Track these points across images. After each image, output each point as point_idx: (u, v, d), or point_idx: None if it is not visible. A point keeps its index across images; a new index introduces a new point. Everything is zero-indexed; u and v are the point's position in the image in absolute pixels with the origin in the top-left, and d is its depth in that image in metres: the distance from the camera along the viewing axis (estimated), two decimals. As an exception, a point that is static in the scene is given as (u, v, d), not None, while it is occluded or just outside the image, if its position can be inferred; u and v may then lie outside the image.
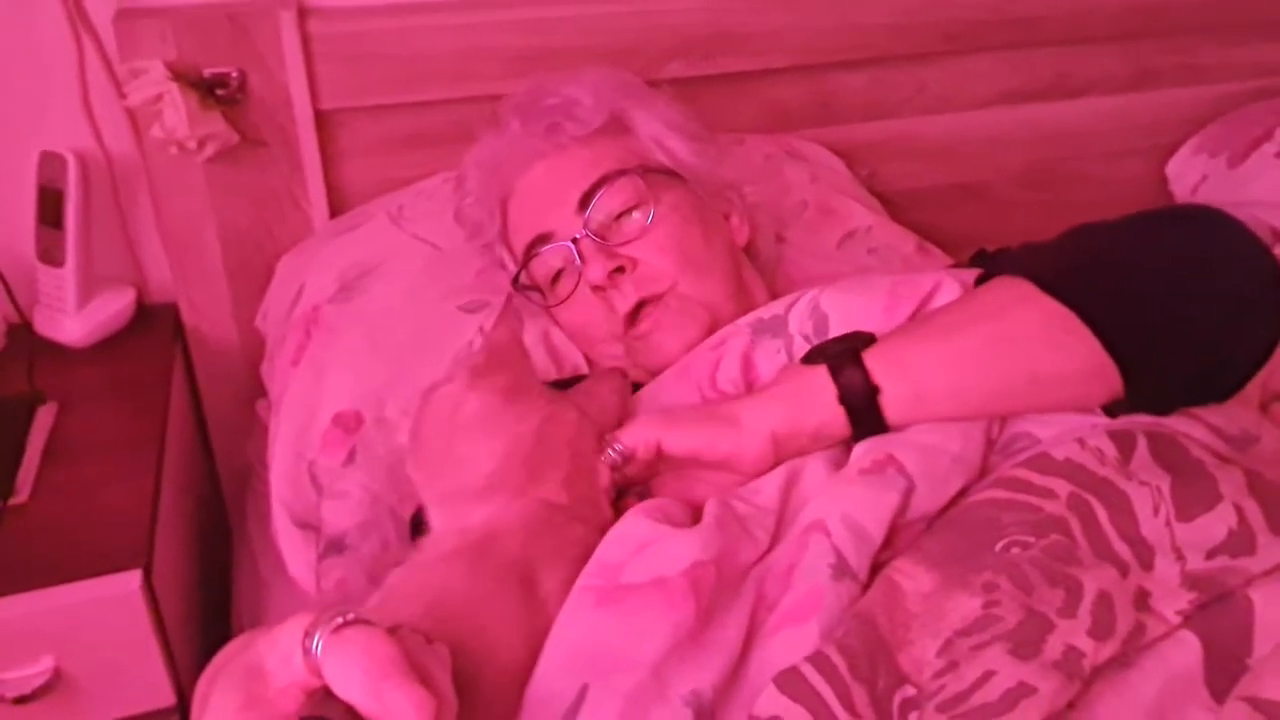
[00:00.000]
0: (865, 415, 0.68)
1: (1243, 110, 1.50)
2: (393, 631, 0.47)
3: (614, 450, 0.68)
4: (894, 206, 1.33)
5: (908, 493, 0.63)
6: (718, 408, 0.71)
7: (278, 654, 0.46)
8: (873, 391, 0.68)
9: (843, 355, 0.69)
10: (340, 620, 0.46)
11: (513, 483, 0.63)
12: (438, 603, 0.56)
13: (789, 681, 0.53)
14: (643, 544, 0.60)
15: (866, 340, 0.71)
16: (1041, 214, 1.28)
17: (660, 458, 0.69)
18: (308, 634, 0.45)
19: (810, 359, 0.72)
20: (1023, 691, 0.50)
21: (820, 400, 0.68)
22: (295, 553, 0.85)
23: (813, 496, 0.64)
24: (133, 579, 0.82)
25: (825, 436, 0.69)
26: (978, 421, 0.69)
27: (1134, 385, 0.67)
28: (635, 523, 0.62)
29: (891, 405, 0.68)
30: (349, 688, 0.45)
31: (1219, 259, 0.70)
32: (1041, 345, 0.68)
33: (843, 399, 0.68)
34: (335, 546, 0.84)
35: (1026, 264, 0.72)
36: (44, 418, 0.99)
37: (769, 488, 0.66)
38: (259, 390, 1.14)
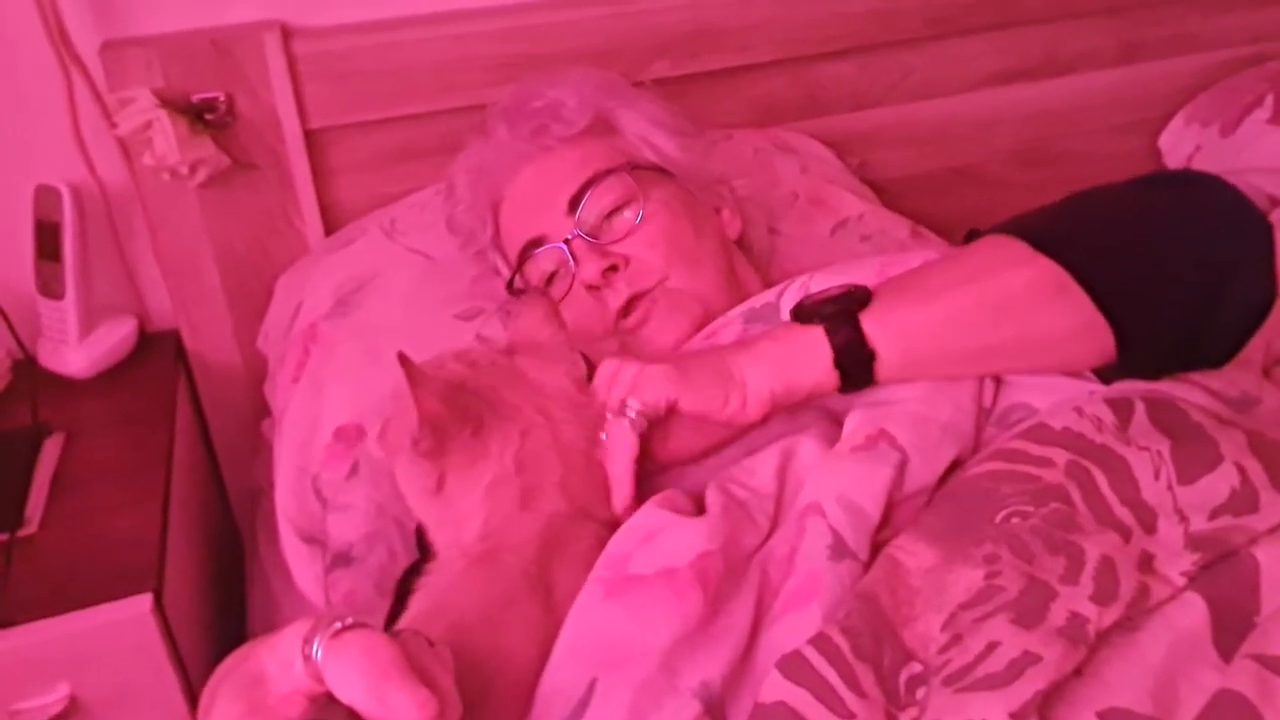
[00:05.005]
0: (858, 377, 0.68)
1: (1232, 78, 1.50)
2: (394, 635, 0.47)
3: (635, 414, 0.66)
4: (887, 194, 1.33)
5: (901, 466, 0.62)
6: (725, 363, 0.69)
7: (278, 661, 0.46)
8: (869, 356, 0.67)
9: (838, 317, 0.68)
10: (339, 625, 0.46)
11: (503, 517, 0.63)
12: (456, 624, 0.56)
13: (792, 666, 0.52)
14: (650, 533, 0.60)
15: (859, 297, 0.70)
16: (1036, 194, 1.26)
17: (669, 413, 0.67)
18: (307, 640, 0.45)
19: (803, 315, 0.71)
20: (1028, 660, 0.49)
21: (816, 363, 0.68)
22: (302, 567, 0.85)
23: (808, 477, 0.64)
24: (143, 602, 0.83)
25: (816, 396, 0.69)
26: (967, 388, 0.69)
27: (1125, 346, 0.67)
28: (642, 511, 0.62)
29: (885, 367, 0.68)
30: (350, 690, 0.45)
31: (1212, 221, 0.70)
32: (1034, 305, 0.67)
33: (838, 362, 0.68)
34: (342, 559, 0.84)
35: (1020, 225, 0.71)
36: (51, 449, 1.00)
37: (764, 470, 0.66)
38: (263, 411, 1.14)
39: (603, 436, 0.66)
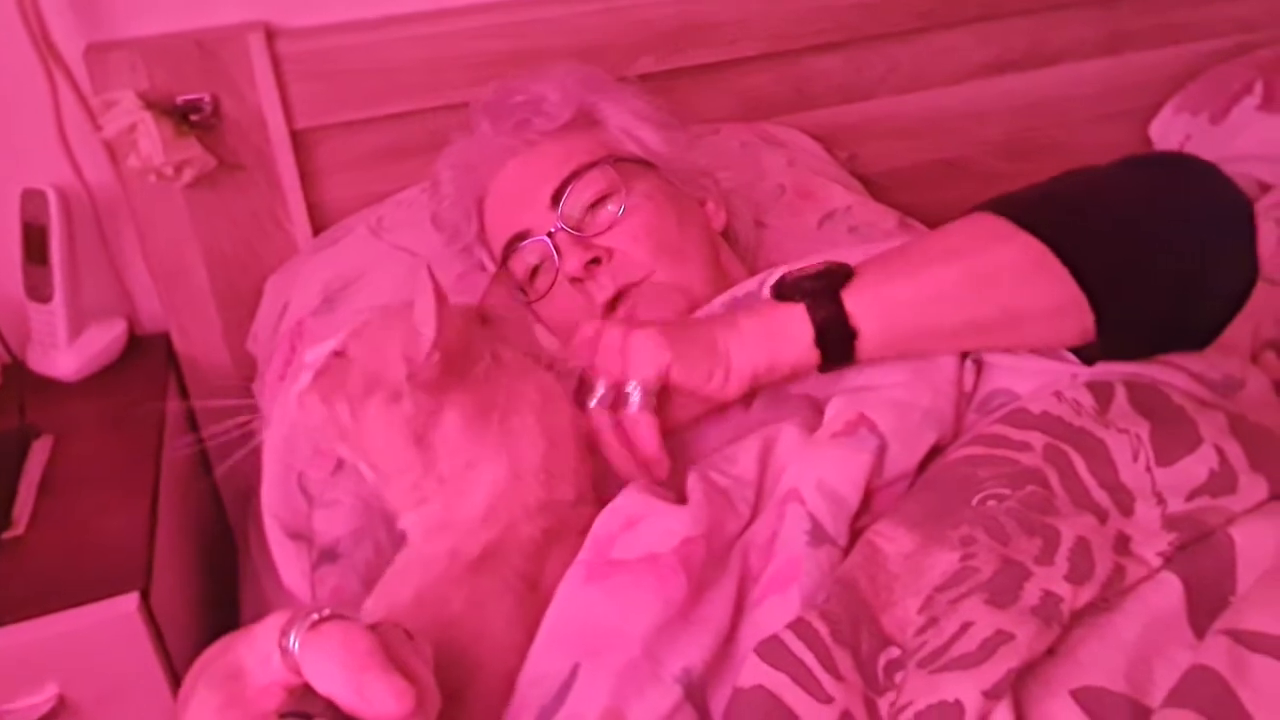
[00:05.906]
0: (839, 354, 0.68)
1: (1221, 66, 1.50)
2: (372, 627, 0.47)
3: (640, 395, 0.66)
4: (876, 187, 1.33)
5: (880, 451, 0.62)
6: (712, 336, 0.69)
7: (256, 653, 0.46)
8: (851, 335, 0.68)
9: (819, 294, 0.68)
10: (317, 616, 0.46)
11: (527, 496, 0.61)
12: (439, 616, 0.55)
13: (771, 650, 0.52)
14: (632, 518, 0.60)
15: (841, 273, 0.70)
16: (1025, 185, 1.28)
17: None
18: (284, 632, 0.45)
19: (784, 292, 0.71)
20: (1000, 639, 0.49)
21: (797, 340, 0.68)
22: (289, 563, 0.85)
23: (788, 464, 0.64)
24: (130, 601, 0.83)
25: (796, 375, 0.69)
26: (948, 372, 0.69)
27: (1105, 324, 0.67)
28: (625, 496, 0.62)
29: (866, 344, 0.68)
30: (328, 681, 0.44)
31: (1195, 202, 0.70)
32: (1016, 281, 0.67)
33: (819, 341, 0.68)
34: (328, 555, 0.84)
35: (1003, 203, 0.71)
36: (39, 451, 1.00)
37: (745, 457, 0.66)
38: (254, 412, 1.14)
39: (637, 395, 0.66)
